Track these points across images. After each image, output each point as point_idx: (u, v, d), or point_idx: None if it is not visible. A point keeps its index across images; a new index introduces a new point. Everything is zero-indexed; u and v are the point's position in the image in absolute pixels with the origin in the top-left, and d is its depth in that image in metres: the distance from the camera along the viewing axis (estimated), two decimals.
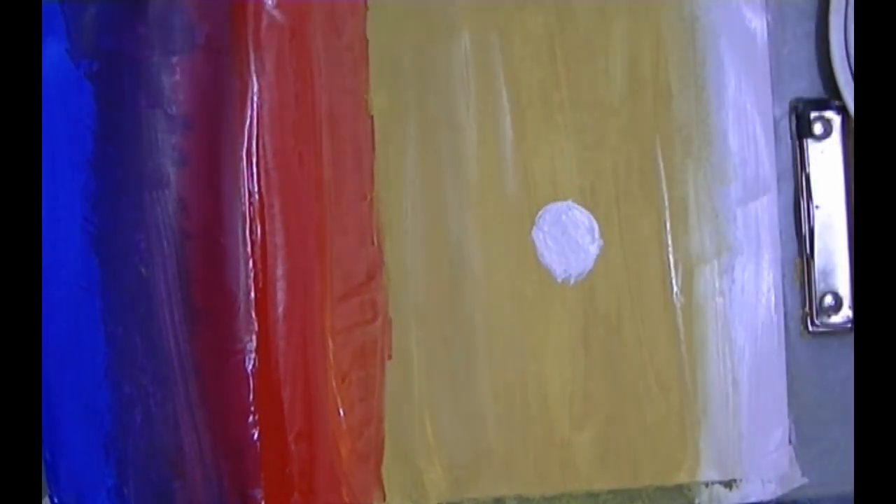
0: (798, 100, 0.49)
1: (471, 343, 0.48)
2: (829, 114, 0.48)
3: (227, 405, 0.47)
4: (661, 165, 0.48)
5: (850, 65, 0.46)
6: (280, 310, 0.47)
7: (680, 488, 0.48)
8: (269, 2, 0.47)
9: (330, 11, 0.47)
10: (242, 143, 0.47)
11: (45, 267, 0.46)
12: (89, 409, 0.47)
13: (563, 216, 0.48)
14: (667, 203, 0.48)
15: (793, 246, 0.49)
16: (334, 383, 0.47)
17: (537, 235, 0.48)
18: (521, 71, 0.48)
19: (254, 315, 0.47)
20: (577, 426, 0.48)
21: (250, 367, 0.47)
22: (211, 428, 0.47)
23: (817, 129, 0.48)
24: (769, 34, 0.48)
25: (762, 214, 0.48)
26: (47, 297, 0.46)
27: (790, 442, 0.48)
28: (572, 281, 0.48)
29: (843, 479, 0.47)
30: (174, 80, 0.47)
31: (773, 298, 0.48)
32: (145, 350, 0.47)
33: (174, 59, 0.47)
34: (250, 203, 0.47)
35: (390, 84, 0.48)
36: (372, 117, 0.48)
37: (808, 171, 0.48)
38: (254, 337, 0.47)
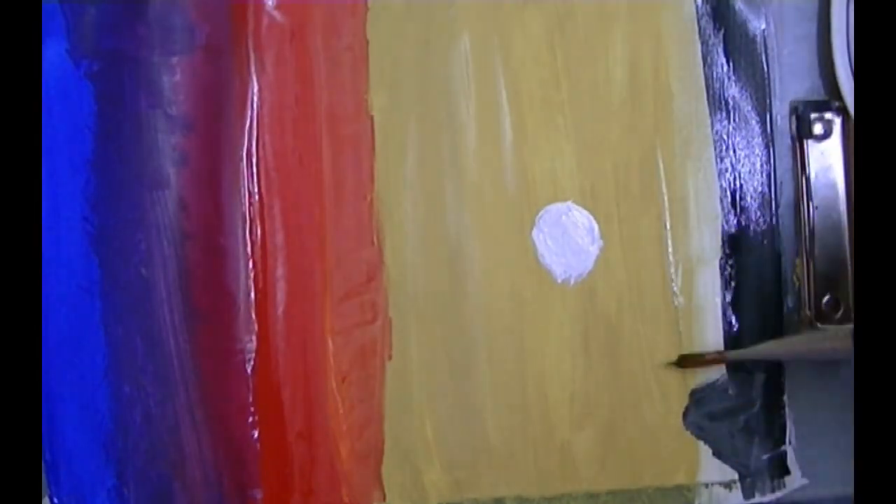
0: (798, 101, 0.49)
1: (471, 343, 0.48)
2: (829, 115, 0.48)
3: (227, 405, 0.47)
4: (661, 166, 0.48)
5: (850, 66, 0.47)
6: (280, 310, 0.47)
7: (680, 489, 0.48)
8: (270, 2, 0.47)
9: (330, 12, 0.47)
10: (242, 143, 0.47)
11: (45, 267, 0.46)
12: (89, 409, 0.47)
13: (563, 217, 0.48)
14: (667, 203, 0.48)
15: (793, 246, 0.49)
16: (334, 384, 0.47)
17: (537, 236, 0.48)
18: (521, 71, 0.48)
19: (254, 315, 0.47)
20: (576, 426, 0.48)
21: (250, 367, 0.47)
22: (211, 428, 0.47)
23: (817, 129, 0.48)
24: (770, 35, 0.48)
25: (762, 215, 0.48)
26: (47, 297, 0.46)
27: (790, 442, 0.48)
28: (572, 281, 0.48)
29: (843, 480, 0.47)
30: (174, 80, 0.47)
31: (772, 299, 0.48)
32: (145, 350, 0.47)
33: (174, 60, 0.47)
34: (250, 203, 0.47)
35: (390, 84, 0.48)
36: (372, 117, 0.48)
37: (808, 171, 0.48)
38: (254, 337, 0.47)
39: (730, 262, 0.48)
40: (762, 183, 0.48)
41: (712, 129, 0.48)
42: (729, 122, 0.48)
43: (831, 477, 0.48)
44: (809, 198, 0.48)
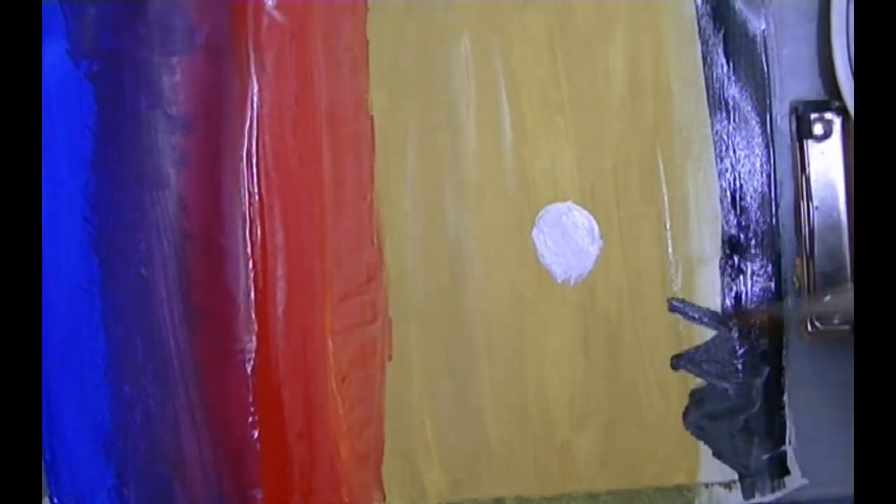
0: (798, 101, 0.49)
1: (471, 343, 0.48)
2: (830, 115, 0.48)
3: (227, 405, 0.47)
4: (661, 166, 0.48)
5: (850, 66, 0.46)
6: (280, 310, 0.47)
7: (679, 489, 0.48)
8: (270, 2, 0.47)
9: (330, 12, 0.47)
10: (243, 143, 0.47)
11: (45, 267, 0.46)
12: (89, 409, 0.47)
13: (563, 217, 0.48)
14: (667, 203, 0.48)
15: (793, 246, 0.49)
16: (334, 384, 0.47)
17: (537, 236, 0.48)
18: (521, 71, 0.48)
19: (254, 315, 0.47)
20: (576, 427, 0.48)
21: (250, 367, 0.47)
22: (211, 428, 0.47)
23: (817, 130, 0.48)
24: (770, 35, 0.48)
25: (762, 215, 0.48)
26: (47, 297, 0.46)
27: (790, 442, 0.48)
28: (572, 282, 0.48)
29: (843, 480, 0.47)
30: (174, 80, 0.47)
31: (772, 299, 0.48)
32: (145, 350, 0.47)
33: (174, 60, 0.47)
34: (250, 203, 0.47)
35: (390, 84, 0.48)
36: (372, 117, 0.48)
37: (808, 171, 0.48)
38: (254, 337, 0.47)
39: (730, 262, 0.48)
40: (762, 183, 0.48)
41: (712, 129, 0.48)
42: (729, 123, 0.48)
43: (831, 477, 0.48)
44: (809, 198, 0.48)
